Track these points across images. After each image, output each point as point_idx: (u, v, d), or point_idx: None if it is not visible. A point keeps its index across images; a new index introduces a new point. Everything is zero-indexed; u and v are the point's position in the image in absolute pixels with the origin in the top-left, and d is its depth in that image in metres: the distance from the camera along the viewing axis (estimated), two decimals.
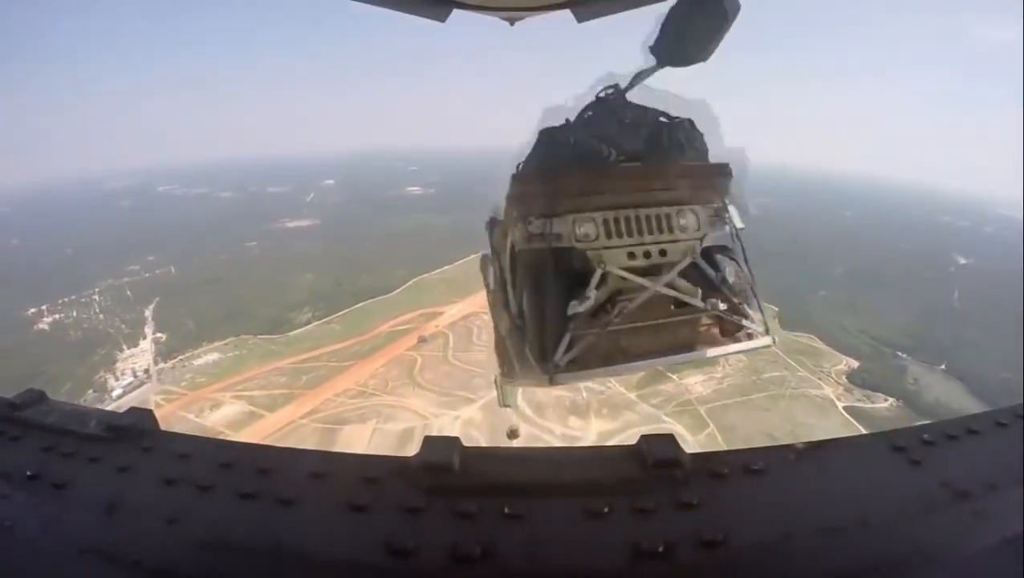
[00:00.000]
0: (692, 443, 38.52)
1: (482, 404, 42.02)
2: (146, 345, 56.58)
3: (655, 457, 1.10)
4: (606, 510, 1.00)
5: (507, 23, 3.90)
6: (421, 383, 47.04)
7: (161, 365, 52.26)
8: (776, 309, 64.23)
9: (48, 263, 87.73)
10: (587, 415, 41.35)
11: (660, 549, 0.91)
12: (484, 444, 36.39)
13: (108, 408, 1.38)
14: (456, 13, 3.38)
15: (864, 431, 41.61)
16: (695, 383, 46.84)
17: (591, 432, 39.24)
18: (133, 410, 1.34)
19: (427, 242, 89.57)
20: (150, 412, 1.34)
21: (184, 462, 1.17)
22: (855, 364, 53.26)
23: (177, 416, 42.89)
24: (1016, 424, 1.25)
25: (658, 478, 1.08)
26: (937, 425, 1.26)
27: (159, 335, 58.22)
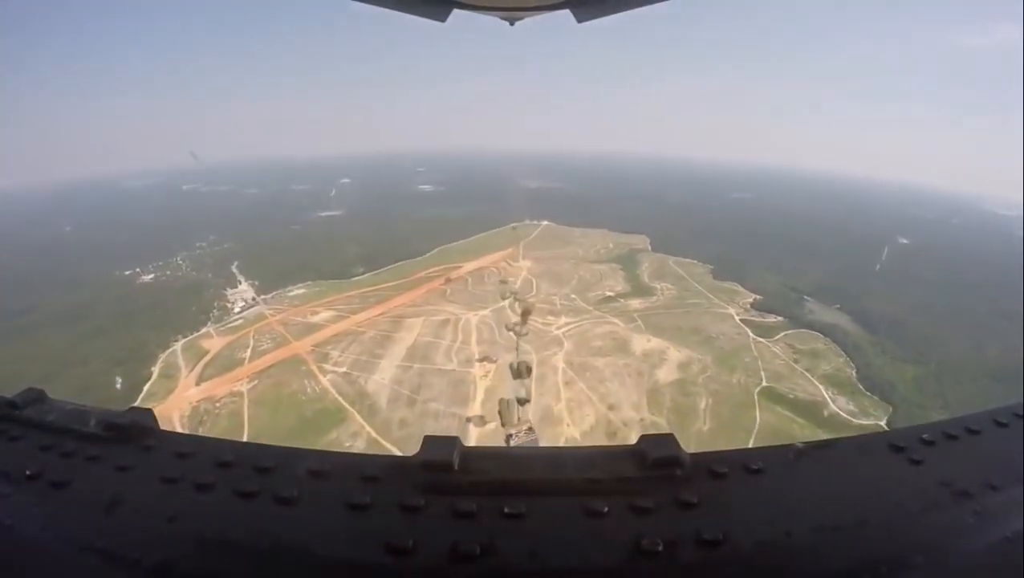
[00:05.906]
0: (622, 329, 63.69)
1: (490, 310, 68.15)
2: (244, 287, 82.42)
3: (654, 456, 1.14)
4: (605, 509, 1.03)
5: (507, 23, 4.07)
6: (451, 300, 73.32)
7: (263, 296, 78.20)
8: (712, 267, 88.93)
9: (112, 244, 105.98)
10: (559, 316, 66.94)
11: (659, 548, 0.94)
12: (492, 325, 61.94)
13: (110, 408, 1.50)
14: (456, 13, 3.52)
15: (750, 333, 66.03)
16: (634, 303, 72.56)
17: (561, 322, 64.92)
18: (133, 409, 1.39)
19: (445, 226, 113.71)
20: (150, 411, 1.39)
21: (184, 461, 1.22)
22: (761, 298, 77.19)
23: (287, 319, 68.86)
24: (1016, 424, 1.31)
25: (658, 477, 1.12)
26: (937, 425, 1.31)
27: (252, 281, 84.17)
